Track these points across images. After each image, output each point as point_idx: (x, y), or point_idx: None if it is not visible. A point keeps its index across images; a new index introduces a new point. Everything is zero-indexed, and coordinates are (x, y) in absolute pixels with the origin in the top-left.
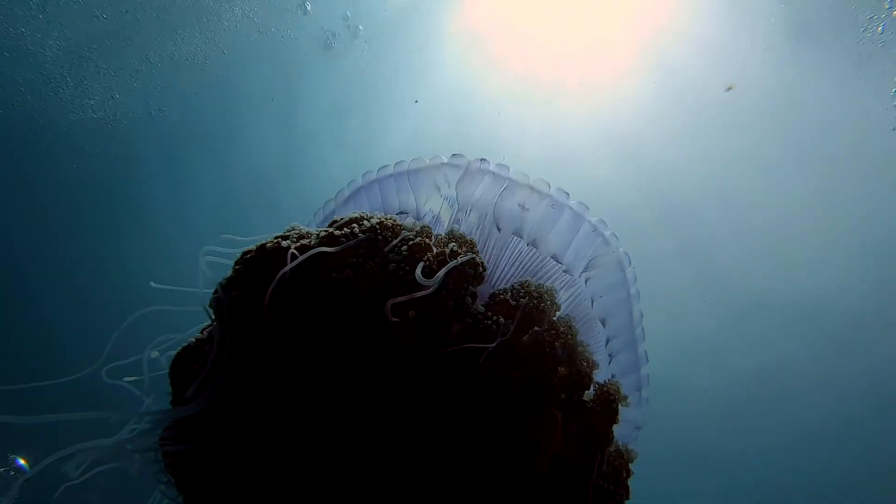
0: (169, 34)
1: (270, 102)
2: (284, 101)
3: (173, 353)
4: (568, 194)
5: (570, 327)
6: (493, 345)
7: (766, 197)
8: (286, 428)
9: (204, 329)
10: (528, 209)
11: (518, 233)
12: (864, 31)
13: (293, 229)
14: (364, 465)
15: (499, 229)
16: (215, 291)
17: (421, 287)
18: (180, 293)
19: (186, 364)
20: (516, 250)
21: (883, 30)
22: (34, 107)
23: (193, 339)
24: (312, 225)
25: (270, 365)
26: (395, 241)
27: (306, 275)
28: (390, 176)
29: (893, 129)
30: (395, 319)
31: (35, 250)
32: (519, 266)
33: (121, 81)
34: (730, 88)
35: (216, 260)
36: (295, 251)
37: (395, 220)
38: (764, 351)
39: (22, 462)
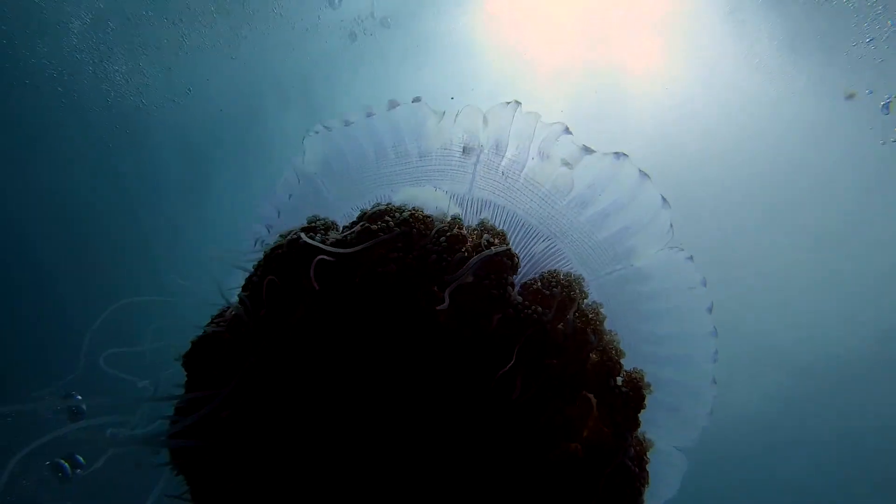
0: (191, 22)
1: (295, 95)
2: (309, 94)
3: (168, 344)
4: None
5: (598, 314)
6: (532, 333)
7: (759, 203)
8: (325, 420)
9: (216, 321)
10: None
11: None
12: (855, 45)
13: (316, 219)
14: (405, 448)
15: (546, 158)
16: (244, 287)
17: (465, 278)
18: (188, 287)
19: (206, 354)
20: (528, 247)
21: (870, 40)
22: (59, 83)
23: (209, 331)
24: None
25: (309, 356)
26: (431, 233)
27: (346, 270)
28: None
29: (883, 143)
30: (439, 309)
31: (51, 236)
32: (529, 259)
33: (144, 64)
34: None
35: (226, 254)
36: (329, 249)
37: (423, 213)
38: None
39: (65, 463)
